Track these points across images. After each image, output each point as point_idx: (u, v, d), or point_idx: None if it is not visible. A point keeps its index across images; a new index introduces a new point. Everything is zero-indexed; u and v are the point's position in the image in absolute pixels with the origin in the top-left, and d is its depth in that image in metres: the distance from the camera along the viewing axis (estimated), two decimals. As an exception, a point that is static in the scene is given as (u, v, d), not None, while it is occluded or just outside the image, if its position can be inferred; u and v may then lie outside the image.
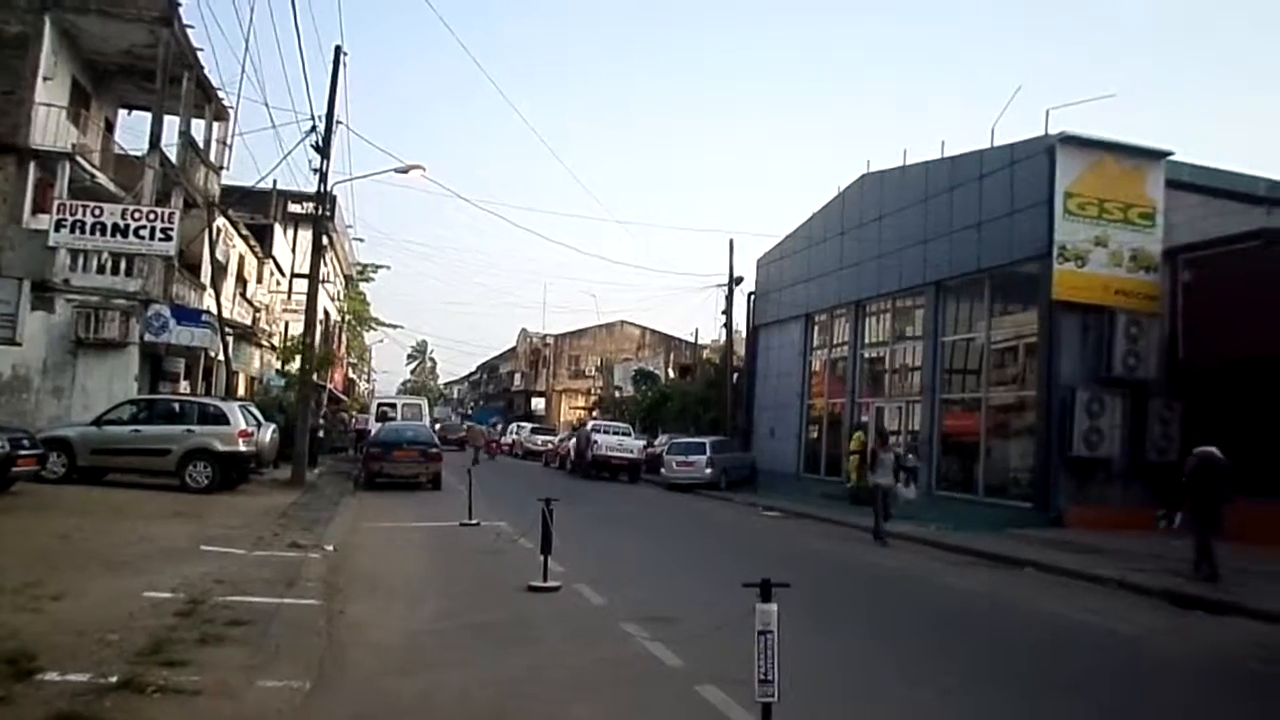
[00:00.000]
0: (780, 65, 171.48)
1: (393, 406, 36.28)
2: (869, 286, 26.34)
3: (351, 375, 61.29)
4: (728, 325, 36.97)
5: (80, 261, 21.55)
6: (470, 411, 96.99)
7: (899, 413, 25.35)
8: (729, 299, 36.03)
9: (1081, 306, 19.26)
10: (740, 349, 37.32)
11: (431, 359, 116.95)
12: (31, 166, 21.89)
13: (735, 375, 36.47)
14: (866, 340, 27.26)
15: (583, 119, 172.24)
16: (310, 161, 22.82)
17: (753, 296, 34.62)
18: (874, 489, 16.78)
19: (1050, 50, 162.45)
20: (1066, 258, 19.16)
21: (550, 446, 43.26)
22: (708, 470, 28.14)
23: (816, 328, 30.18)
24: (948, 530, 17.18)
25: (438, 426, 37.11)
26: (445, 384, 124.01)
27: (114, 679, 5.47)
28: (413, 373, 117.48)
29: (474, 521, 15.43)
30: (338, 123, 22.78)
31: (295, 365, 31.32)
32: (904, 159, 25.16)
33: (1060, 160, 19.32)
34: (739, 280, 35.57)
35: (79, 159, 22.76)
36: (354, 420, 39.22)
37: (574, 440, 37.63)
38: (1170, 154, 20.00)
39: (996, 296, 21.78)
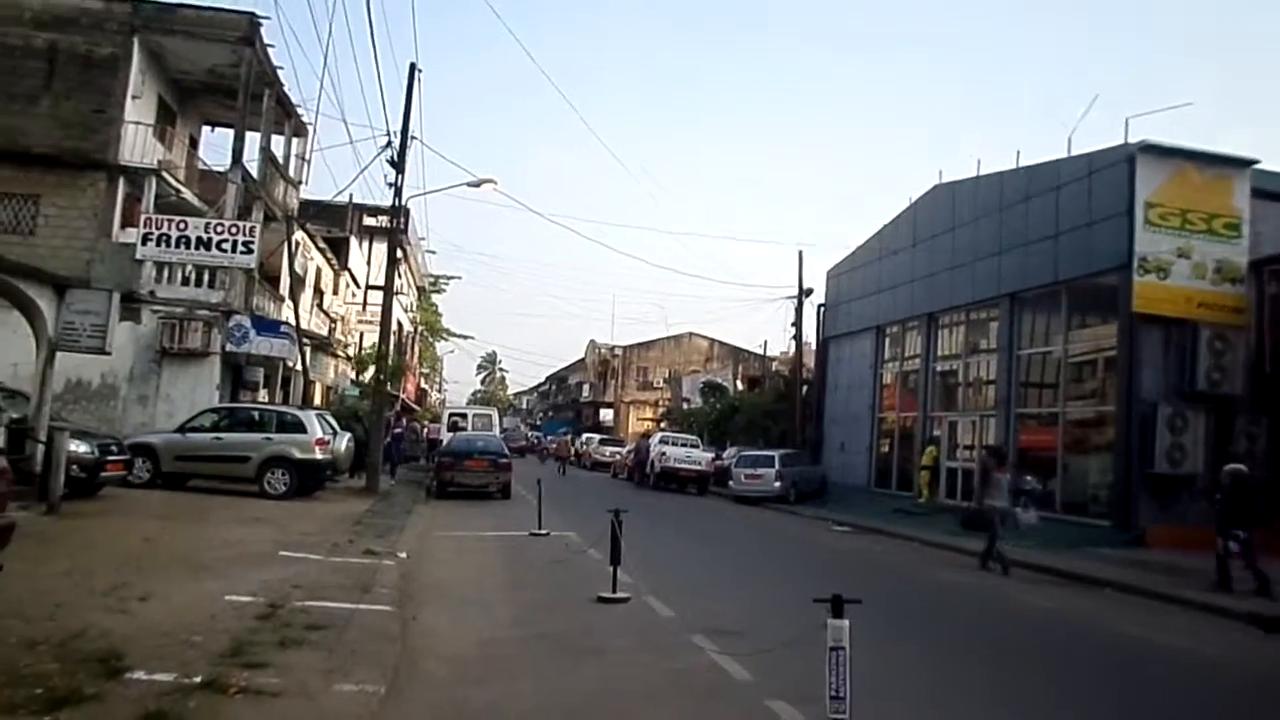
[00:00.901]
0: (851, 76, 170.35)
1: (464, 417, 36.74)
2: (942, 298, 25.96)
3: (424, 385, 62.15)
4: (797, 337, 36.74)
5: (165, 274, 22.25)
6: (539, 422, 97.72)
7: (972, 427, 24.91)
8: (798, 311, 35.84)
9: (1163, 320, 18.75)
10: (810, 361, 37.04)
11: (501, 370, 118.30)
12: (120, 182, 22.71)
13: (805, 388, 36.20)
14: (939, 353, 26.86)
15: (652, 131, 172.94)
16: (385, 176, 23.33)
17: (822, 308, 34.36)
18: (988, 512, 15.12)
19: (1129, 58, 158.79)
20: (1147, 269, 18.67)
21: (618, 458, 43.43)
22: (776, 483, 27.94)
23: (888, 340, 29.83)
24: (1024, 548, 16.82)
25: (502, 436, 37.54)
26: (514, 394, 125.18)
27: (198, 679, 5.64)
28: (483, 383, 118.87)
29: (543, 531, 15.54)
30: (412, 138, 23.28)
31: (369, 374, 31.93)
32: (978, 169, 24.82)
33: (1140, 169, 18.85)
34: (809, 292, 35.36)
35: (165, 174, 23.53)
36: (426, 430, 39.78)
37: (635, 451, 37.92)
38: (1256, 162, 19.41)
39: (1074, 309, 21.31)
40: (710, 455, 33.75)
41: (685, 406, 54.50)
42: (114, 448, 15.99)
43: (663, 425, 51.28)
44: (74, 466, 14.04)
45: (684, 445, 33.74)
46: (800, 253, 37.46)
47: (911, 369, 28.24)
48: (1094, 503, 19.83)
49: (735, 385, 53.76)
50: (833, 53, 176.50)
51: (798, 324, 36.12)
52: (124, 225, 22.85)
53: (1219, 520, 13.17)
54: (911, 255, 27.74)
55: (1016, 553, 16.30)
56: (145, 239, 21.68)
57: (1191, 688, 7.89)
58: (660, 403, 65.75)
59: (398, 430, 31.01)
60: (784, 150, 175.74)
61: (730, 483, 29.68)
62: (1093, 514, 19.46)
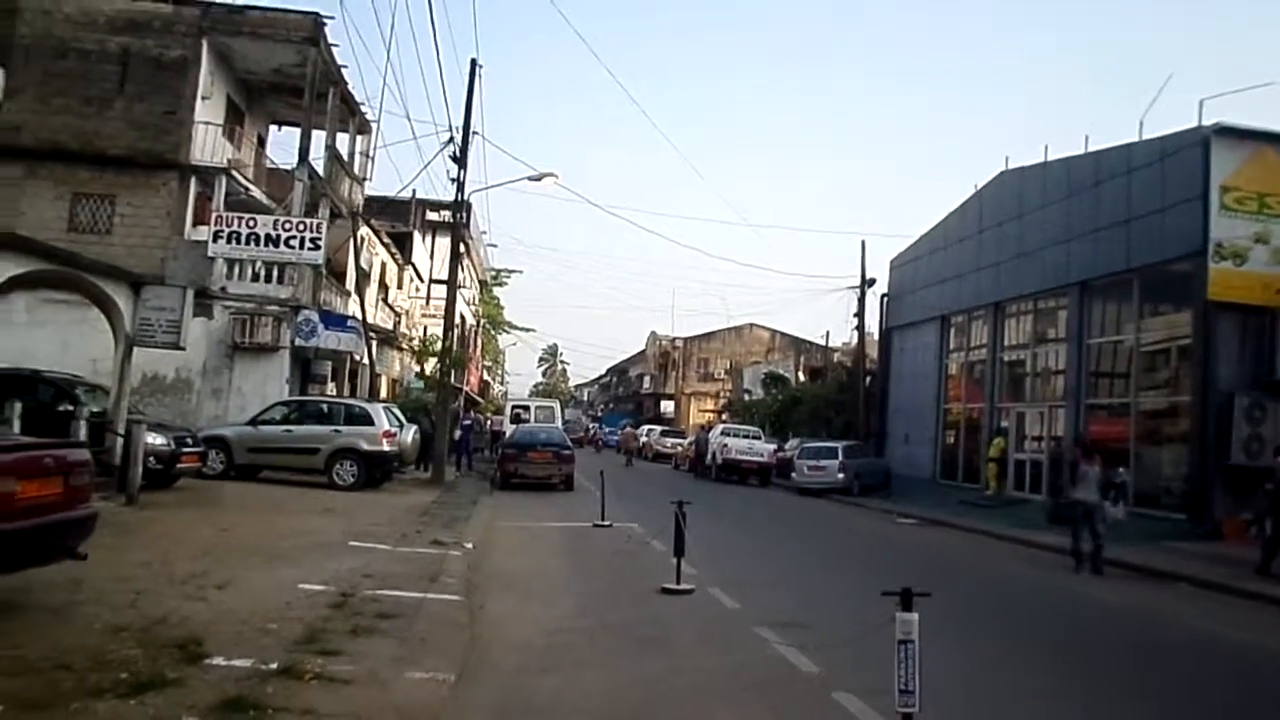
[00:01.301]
0: (915, 63, 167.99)
1: (526, 409, 37.02)
2: (1008, 287, 25.51)
3: (486, 378, 62.78)
4: (860, 328, 36.39)
5: (236, 270, 22.80)
6: (600, 414, 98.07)
7: (1041, 418, 24.47)
8: (861, 301, 35.50)
9: (1240, 307, 18.20)
10: (873, 352, 36.67)
11: (562, 362, 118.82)
12: (192, 181, 23.34)
13: (868, 378, 35.85)
14: (1006, 343, 26.41)
15: (711, 121, 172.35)
16: (448, 171, 23.59)
17: (886, 298, 33.98)
18: (1074, 506, 14.47)
19: (1203, 38, 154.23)
20: (1223, 256, 18.14)
21: (679, 449, 43.46)
22: (840, 475, 27.73)
23: (953, 330, 29.41)
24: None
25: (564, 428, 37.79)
26: (575, 386, 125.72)
27: (274, 666, 5.77)
28: (544, 375, 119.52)
29: (606, 523, 15.62)
30: (474, 133, 23.51)
31: (433, 367, 32.36)
32: (1045, 155, 24.31)
33: (1216, 153, 18.30)
34: (871, 282, 35.02)
35: (234, 173, 24.11)
36: (489, 422, 40.17)
37: (694, 443, 37.98)
38: (1340, 143, 18.72)
39: (1146, 297, 20.79)
40: (772, 447, 33.57)
41: (746, 398, 54.30)
42: (189, 440, 16.43)
43: (724, 417, 51.21)
44: (151, 459, 14.45)
45: (746, 437, 33.61)
46: (863, 242, 37.28)
47: (977, 359, 27.81)
48: (1167, 495, 19.36)
49: (797, 376, 53.43)
50: (896, 40, 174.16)
51: (860, 314, 35.80)
52: (196, 223, 23.46)
53: (1269, 508, 13.52)
54: (977, 243, 27.29)
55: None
56: (216, 236, 22.22)
57: (1266, 687, 7.68)
58: (721, 394, 65.61)
59: (467, 422, 31.08)
60: (848, 139, 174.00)
61: (793, 474, 29.53)
62: (1166, 506, 19.00)
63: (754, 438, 33.91)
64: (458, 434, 29.09)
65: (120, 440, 14.34)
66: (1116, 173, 21.05)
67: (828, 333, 57.88)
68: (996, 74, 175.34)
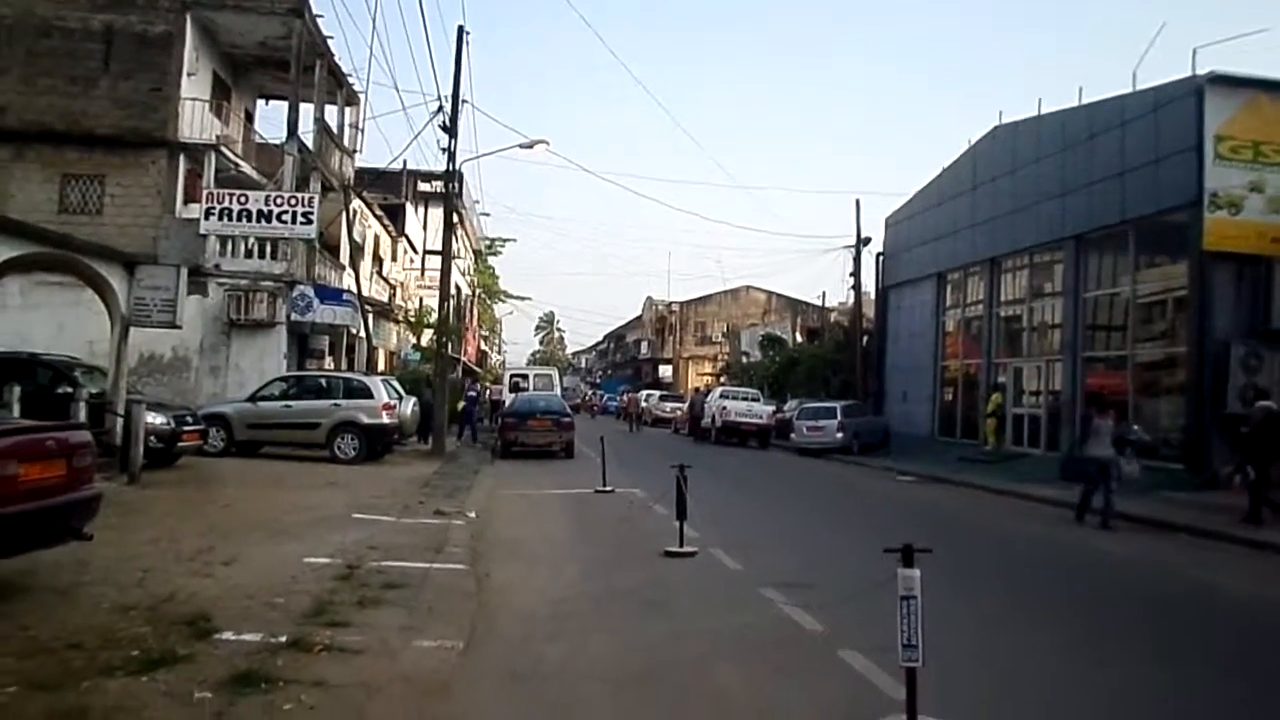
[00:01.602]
0: (904, 19, 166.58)
1: (524, 377, 37.02)
2: (1004, 242, 25.47)
3: (484, 347, 62.80)
4: (856, 287, 36.34)
5: (229, 247, 22.73)
6: (598, 380, 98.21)
7: (1038, 372, 24.52)
8: (856, 260, 35.45)
9: (1236, 257, 18.18)
10: (869, 311, 36.67)
11: (559, 329, 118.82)
12: (181, 159, 23.18)
13: (865, 338, 35.88)
14: (1002, 298, 26.41)
15: (703, 83, 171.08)
16: (438, 141, 23.44)
17: (881, 257, 33.92)
18: (1089, 462, 14.14)
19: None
20: (1219, 205, 18.09)
21: (679, 413, 43.61)
22: (839, 435, 27.82)
23: (949, 287, 29.39)
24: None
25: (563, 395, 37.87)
26: (573, 354, 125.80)
27: (283, 639, 5.83)
28: (541, 343, 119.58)
29: (608, 488, 15.69)
30: (463, 102, 23.34)
31: (428, 338, 32.35)
32: (1038, 108, 24.16)
33: (1210, 102, 18.19)
34: (866, 241, 34.97)
35: (223, 149, 23.95)
36: (488, 391, 40.21)
37: (689, 405, 38.16)
38: (1335, 89, 18.61)
39: (1142, 249, 20.76)
40: (771, 409, 33.65)
41: (744, 360, 54.33)
42: (189, 418, 16.45)
43: (722, 380, 51.26)
44: (152, 438, 14.48)
45: (744, 399, 33.70)
46: (857, 201, 36.74)
47: (974, 315, 27.82)
48: (1166, 446, 19.43)
49: (794, 337, 53.45)
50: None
51: (856, 274, 35.75)
52: (187, 201, 23.34)
53: (1243, 452, 13.71)
54: (972, 199, 27.21)
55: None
56: (208, 214, 22.14)
57: (1272, 637, 7.75)
58: (719, 357, 65.65)
59: (471, 394, 31.00)
60: (839, 97, 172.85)
61: (792, 435, 29.63)
62: (1164, 457, 19.08)
63: (753, 400, 33.98)
64: (461, 405, 29.12)
65: (120, 420, 14.36)
66: (1110, 125, 20.94)
67: (824, 293, 57.73)
68: (989, 29, 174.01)
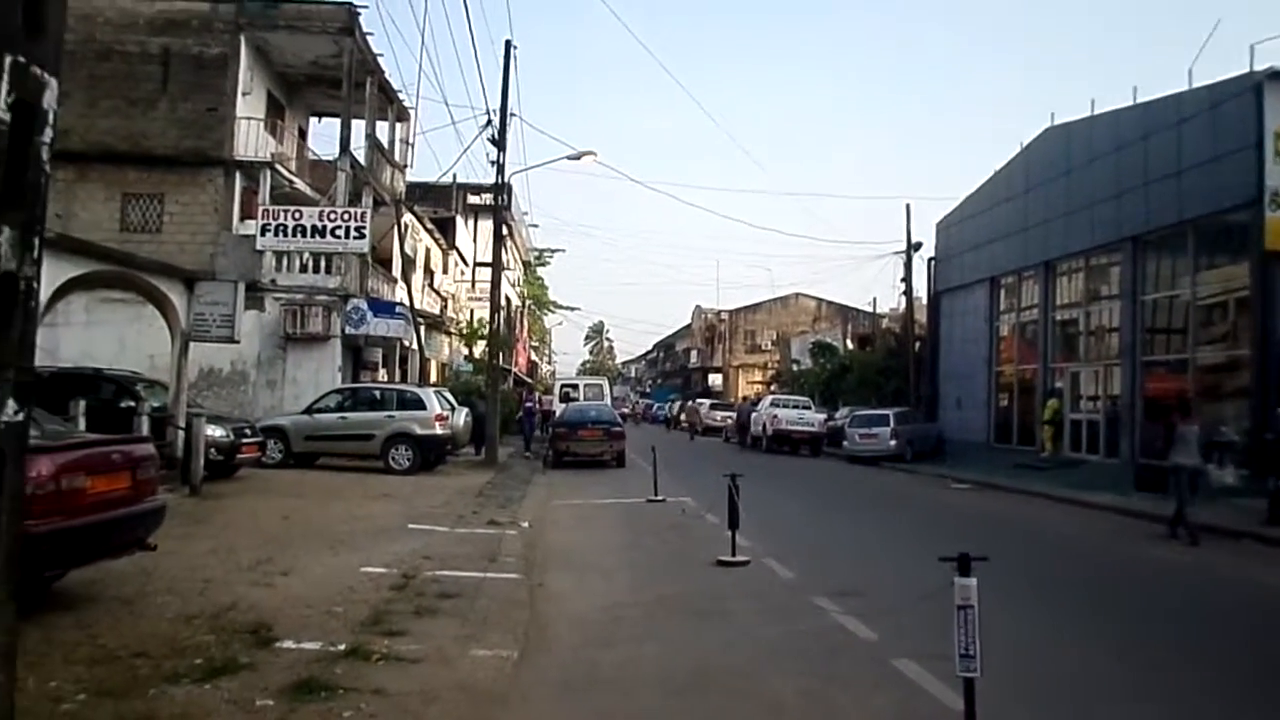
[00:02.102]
0: (956, 22, 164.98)
1: (575, 387, 37.16)
2: (1058, 245, 25.07)
3: (534, 358, 63.17)
4: (907, 293, 36.00)
5: (285, 262, 23.15)
6: (648, 390, 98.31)
7: (1096, 377, 24.07)
8: (908, 265, 35.11)
9: (1299, 256, 17.71)
10: (921, 316, 36.30)
11: (608, 339, 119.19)
12: (237, 176, 23.67)
13: (917, 344, 35.50)
14: (1058, 302, 25.98)
15: (752, 90, 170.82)
16: (487, 154, 23.67)
17: (933, 262, 33.55)
18: (1174, 471, 13.33)
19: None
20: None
21: (729, 422, 43.52)
22: (892, 442, 27.55)
23: (1003, 291, 28.99)
24: (1151, 499, 16.26)
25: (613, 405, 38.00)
26: (622, 363, 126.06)
27: (342, 647, 5.92)
28: (591, 353, 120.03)
29: (660, 498, 15.69)
30: (511, 115, 23.54)
31: (480, 349, 32.61)
32: (1092, 109, 23.78)
33: (1269, 98, 17.73)
34: (918, 246, 34.62)
35: (278, 167, 24.41)
36: (540, 402, 40.45)
37: (736, 414, 38.18)
38: (1401, 81, 18.07)
39: (1201, 249, 20.30)
40: (822, 416, 33.42)
41: (795, 368, 54.04)
42: (248, 431, 16.76)
43: (772, 388, 51.06)
44: (212, 450, 14.76)
45: (795, 407, 33.51)
46: (908, 206, 36.52)
47: (1029, 319, 27.40)
48: (1230, 451, 18.95)
49: (845, 344, 53.07)
50: (937, 5, 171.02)
51: (907, 279, 35.41)
52: (243, 218, 23.80)
53: (1270, 458, 13.82)
54: (1025, 202, 26.83)
55: (1143, 504, 15.67)
56: (264, 230, 22.53)
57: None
58: (769, 365, 65.37)
59: (529, 404, 30.88)
60: (889, 101, 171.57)
61: (844, 443, 29.39)
62: (1227, 463, 18.61)
63: (804, 408, 33.78)
64: (519, 416, 29.29)
65: (181, 433, 14.67)
66: (1166, 124, 20.54)
67: (875, 299, 57.38)
68: (1040, 31, 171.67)
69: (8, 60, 2.21)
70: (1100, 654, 6.78)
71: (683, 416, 51.90)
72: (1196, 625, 7.99)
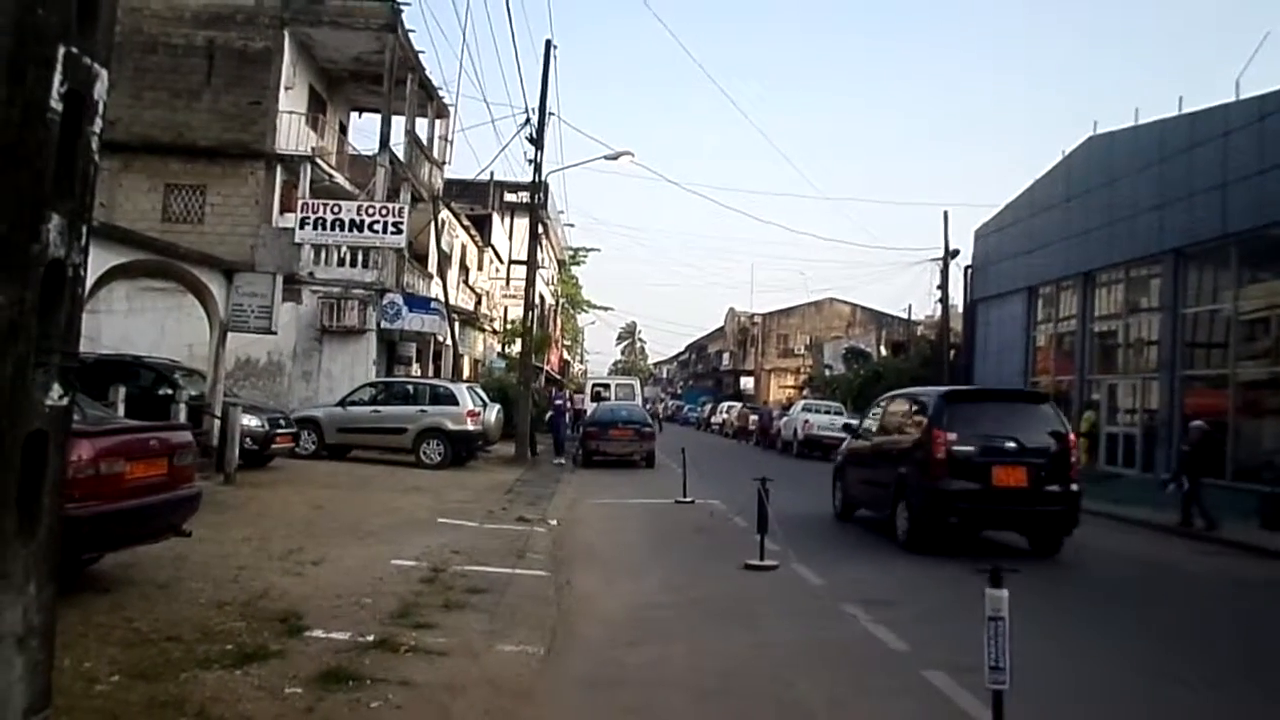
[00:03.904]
0: (996, 32, 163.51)
1: (606, 387, 37.20)
2: (1098, 256, 24.75)
3: (566, 357, 63.32)
4: (944, 300, 35.73)
5: (323, 256, 23.37)
6: (679, 391, 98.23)
7: (1134, 390, 23.75)
8: (944, 273, 34.84)
9: (1347, 272, 17.39)
10: (957, 325, 35.99)
11: (641, 339, 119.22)
12: (278, 170, 23.95)
13: (952, 352, 35.21)
14: (1096, 313, 25.65)
15: (792, 97, 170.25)
16: (525, 152, 23.80)
17: (970, 270, 33.25)
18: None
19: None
20: (1328, 218, 17.32)
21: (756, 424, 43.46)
22: (924, 450, 27.15)
23: (1041, 300, 28.67)
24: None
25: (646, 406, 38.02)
26: (654, 364, 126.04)
27: (371, 638, 5.97)
28: (623, 353, 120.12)
29: (689, 499, 15.67)
30: (550, 114, 23.61)
31: (515, 348, 32.73)
32: (1135, 118, 23.46)
33: (1319, 111, 17.45)
34: (955, 253, 34.35)
35: (318, 161, 24.66)
36: (571, 401, 40.55)
37: (759, 418, 38.37)
38: None
39: (1245, 263, 19.95)
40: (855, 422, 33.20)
41: (827, 373, 53.79)
42: (282, 421, 16.95)
43: (804, 393, 50.84)
44: (247, 440, 14.95)
45: (827, 413, 33.35)
46: (946, 213, 36.50)
47: (1067, 330, 27.08)
48: (1270, 469, 18.64)
49: (879, 351, 52.75)
50: (978, 7, 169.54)
51: (944, 286, 35.14)
52: (283, 210, 24.08)
53: (1182, 467, 15.31)
54: (1065, 211, 26.53)
55: (1176, 519, 15.49)
56: (303, 223, 22.78)
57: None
58: (801, 370, 65.12)
59: (559, 403, 28.73)
60: (930, 110, 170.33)
61: (876, 450, 29.02)
62: (1269, 480, 18.29)
63: (835, 413, 33.60)
64: (549, 415, 28.74)
65: (217, 422, 14.86)
66: (1212, 135, 20.21)
67: (910, 306, 56.91)
68: (1085, 39, 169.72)
69: (61, 51, 2.24)
70: (1132, 667, 6.68)
71: (721, 418, 51.71)
72: (1237, 640, 7.86)
